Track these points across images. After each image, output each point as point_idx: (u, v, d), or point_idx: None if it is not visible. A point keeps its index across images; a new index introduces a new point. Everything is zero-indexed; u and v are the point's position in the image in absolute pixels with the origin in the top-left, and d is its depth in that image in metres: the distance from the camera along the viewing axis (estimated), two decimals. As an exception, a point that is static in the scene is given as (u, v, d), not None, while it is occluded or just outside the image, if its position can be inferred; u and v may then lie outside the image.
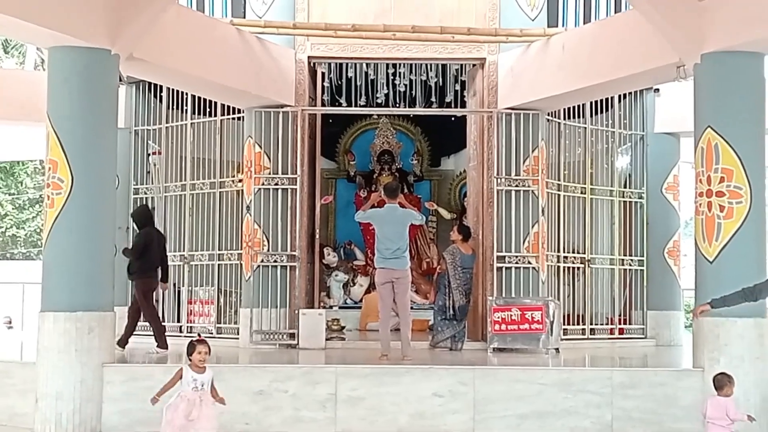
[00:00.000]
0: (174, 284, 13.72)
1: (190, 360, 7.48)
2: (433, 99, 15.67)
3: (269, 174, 12.47)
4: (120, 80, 9.74)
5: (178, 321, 13.52)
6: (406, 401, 9.18)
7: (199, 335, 7.52)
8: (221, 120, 13.38)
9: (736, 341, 9.01)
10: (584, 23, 13.22)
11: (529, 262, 12.42)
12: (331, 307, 15.89)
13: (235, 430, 9.03)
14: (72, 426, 8.92)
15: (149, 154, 14.15)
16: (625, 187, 14.21)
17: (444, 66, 14.69)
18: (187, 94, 13.38)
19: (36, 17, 8.66)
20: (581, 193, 13.55)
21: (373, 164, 18.16)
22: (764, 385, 9.03)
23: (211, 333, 13.02)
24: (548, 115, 12.90)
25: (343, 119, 17.74)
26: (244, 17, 12.70)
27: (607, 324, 13.70)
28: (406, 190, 17.93)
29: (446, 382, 9.26)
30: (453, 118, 15.74)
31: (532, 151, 12.49)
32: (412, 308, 15.96)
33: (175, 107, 13.79)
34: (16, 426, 9.34)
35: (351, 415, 9.15)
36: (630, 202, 14.15)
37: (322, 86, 13.97)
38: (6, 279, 24.10)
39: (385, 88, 15.26)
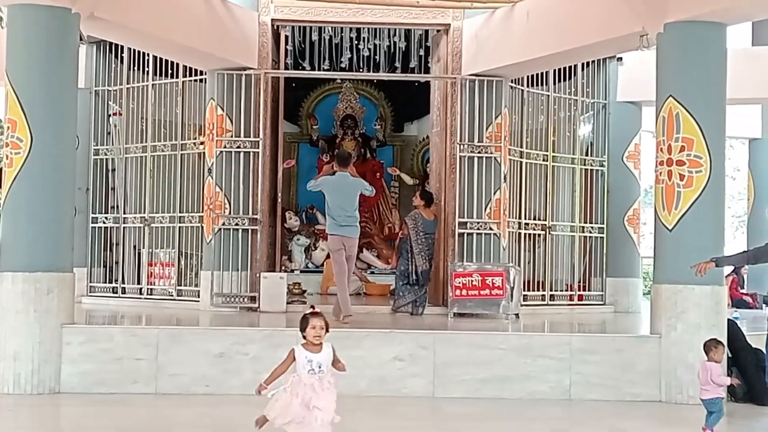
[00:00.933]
0: (134, 246, 13.67)
1: (304, 337, 6.21)
2: (397, 64, 15.63)
3: (231, 137, 12.39)
4: (80, 39, 9.61)
5: (139, 283, 13.45)
6: (366, 365, 9.21)
7: (312, 307, 6.36)
8: (183, 82, 13.26)
9: (693, 309, 9.11)
10: (549, -10, 13.20)
11: (491, 229, 12.46)
12: (292, 270, 15.91)
13: (196, 393, 9.04)
14: (30, 386, 8.89)
15: (110, 115, 14.01)
16: (586, 155, 14.27)
17: (408, 31, 14.68)
18: (148, 54, 13.24)
19: (-5, -26, 8.53)
20: (543, 160, 13.59)
21: (336, 129, 18.14)
22: (719, 352, 9.14)
23: (171, 295, 13.01)
24: (512, 82, 12.89)
25: (307, 83, 17.67)
26: (208, -22, 12.55)
27: (566, 290, 13.82)
28: (369, 155, 17.99)
29: (407, 347, 9.31)
30: (417, 84, 15.73)
31: (495, 117, 12.48)
32: (373, 273, 16.24)
33: (136, 68, 13.64)
34: (-25, 386, 9.27)
35: (311, 379, 9.16)
36: (591, 170, 14.22)
37: (286, 49, 13.90)
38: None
39: (348, 52, 15.21)
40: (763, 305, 16.25)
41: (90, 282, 13.67)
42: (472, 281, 11.76)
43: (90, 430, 7.78)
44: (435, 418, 8.61)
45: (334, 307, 11.04)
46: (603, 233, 14.17)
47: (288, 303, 12.34)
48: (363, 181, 11.51)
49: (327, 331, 6.13)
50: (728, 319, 9.49)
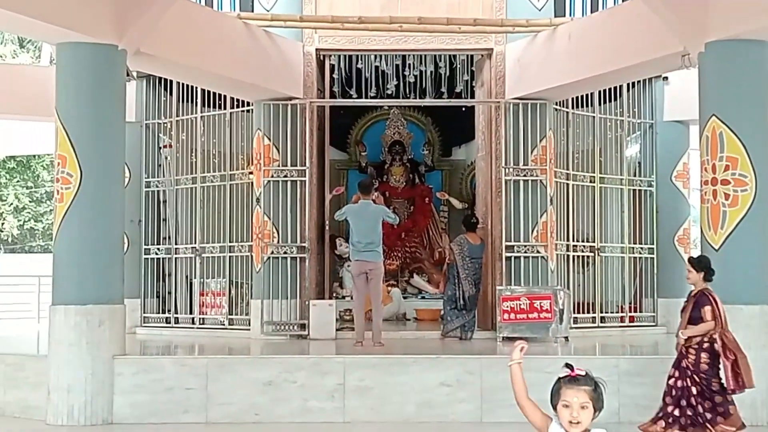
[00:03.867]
0: (186, 276, 13.84)
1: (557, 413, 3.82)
2: (443, 89, 15.70)
3: (278, 166, 12.55)
4: (128, 75, 9.81)
5: (191, 313, 13.60)
6: (413, 390, 9.26)
7: (568, 366, 3.88)
8: (231, 113, 13.44)
9: (742, 329, 8.94)
10: (591, 13, 13.21)
11: (538, 252, 12.46)
12: (344, 297, 15.96)
13: (245, 421, 9.13)
14: (84, 418, 9.03)
15: (160, 148, 14.23)
16: (634, 175, 14.19)
17: (453, 56, 14.74)
18: (196, 87, 13.45)
19: (43, 14, 8.76)
20: (590, 181, 13.53)
21: (385, 155, 18.23)
22: (770, 372, 9.05)
23: (223, 324, 13.13)
24: (556, 104, 12.90)
25: (354, 110, 17.79)
26: (252, 11, 12.76)
27: (617, 312, 13.72)
28: (417, 181, 18.06)
29: (453, 372, 9.32)
30: (464, 109, 15.79)
31: (540, 140, 12.51)
32: (423, 298, 16.27)
33: (185, 100, 13.86)
34: (29, 418, 9.43)
35: (359, 405, 9.23)
36: (640, 190, 14.13)
37: (331, 78, 14.03)
38: (24, 272, 24.26)
39: (394, 79, 15.32)
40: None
41: (144, 313, 13.85)
42: (520, 305, 11.75)
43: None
44: (482, 444, 8.62)
45: (357, 330, 11.41)
46: (653, 254, 14.05)
47: (338, 330, 12.43)
48: (385, 209, 11.91)
49: (597, 411, 3.74)
50: (779, 339, 9.38)
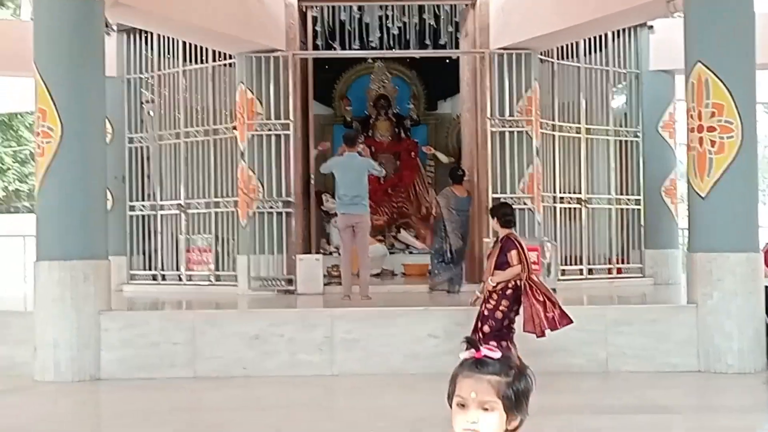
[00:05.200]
0: (171, 233, 13.76)
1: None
2: (427, 41, 15.57)
3: (262, 120, 12.43)
4: (107, 26, 9.67)
5: (177, 269, 13.54)
6: (401, 342, 9.24)
7: (470, 342, 2.57)
8: (213, 66, 13.30)
9: (728, 276, 9.01)
10: (577, -39, 13.07)
11: (525, 203, 12.40)
12: (331, 253, 15.92)
13: (233, 375, 9.10)
14: (71, 373, 8.98)
15: (142, 103, 14.09)
16: (620, 126, 14.14)
17: (437, 7, 14.60)
18: (178, 40, 13.30)
19: (19, -35, 8.60)
20: (576, 132, 13.48)
21: (370, 109, 18.10)
22: (757, 320, 9.06)
23: (210, 280, 13.09)
24: (541, 54, 12.80)
25: (339, 64, 17.64)
26: (233, -38, 12.57)
27: (605, 264, 13.72)
28: (403, 135, 17.95)
29: (441, 323, 9.30)
30: (448, 61, 15.65)
31: (526, 91, 12.40)
32: (411, 253, 16.23)
33: (166, 54, 13.72)
34: (18, 374, 9.33)
35: (347, 357, 9.21)
36: (626, 141, 14.09)
37: (314, 30, 13.88)
38: (9, 232, 24.09)
39: (378, 31, 15.18)
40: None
41: (130, 270, 13.79)
42: (507, 257, 11.68)
43: (130, 415, 7.82)
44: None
45: (344, 285, 11.28)
46: (640, 205, 14.05)
47: (325, 285, 12.39)
48: (371, 161, 11.79)
49: (514, 415, 2.46)
50: (765, 286, 9.38)
